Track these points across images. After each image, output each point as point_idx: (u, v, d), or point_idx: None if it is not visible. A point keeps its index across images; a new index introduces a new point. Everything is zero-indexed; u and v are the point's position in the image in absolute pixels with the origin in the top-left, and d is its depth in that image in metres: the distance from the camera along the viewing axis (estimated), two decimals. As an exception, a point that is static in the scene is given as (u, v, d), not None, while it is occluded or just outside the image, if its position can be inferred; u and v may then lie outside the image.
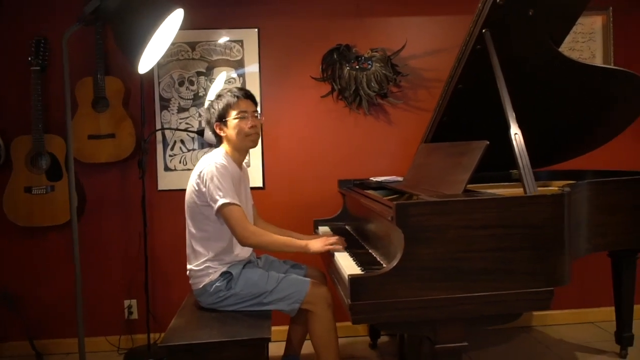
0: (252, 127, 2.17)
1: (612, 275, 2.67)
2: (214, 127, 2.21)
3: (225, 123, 2.18)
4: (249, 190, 2.40)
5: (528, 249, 1.64)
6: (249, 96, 2.21)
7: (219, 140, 2.25)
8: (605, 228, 2.27)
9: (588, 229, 2.18)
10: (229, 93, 2.19)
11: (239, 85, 2.99)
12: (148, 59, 1.95)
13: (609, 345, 2.77)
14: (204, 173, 2.06)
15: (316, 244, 2.12)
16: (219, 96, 2.21)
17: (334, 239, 2.16)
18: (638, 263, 2.60)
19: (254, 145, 2.24)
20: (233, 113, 2.16)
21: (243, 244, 2.06)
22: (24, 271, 2.98)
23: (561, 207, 1.69)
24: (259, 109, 2.29)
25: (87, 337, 2.96)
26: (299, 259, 2.47)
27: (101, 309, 3.01)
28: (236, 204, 2.04)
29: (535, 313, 3.20)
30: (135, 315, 3.02)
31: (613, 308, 2.70)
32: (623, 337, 2.66)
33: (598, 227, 2.23)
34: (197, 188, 2.09)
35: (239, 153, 2.23)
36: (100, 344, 3.00)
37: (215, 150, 2.21)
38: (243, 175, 2.32)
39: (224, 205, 2.01)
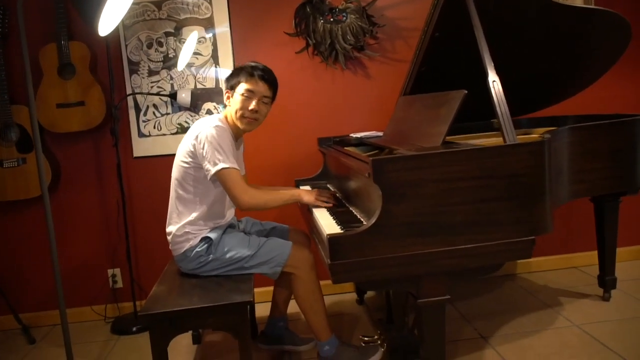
0: (252, 110, 2.09)
1: (595, 220, 2.68)
2: (225, 93, 2.16)
3: (233, 93, 2.11)
4: (242, 159, 2.37)
5: (509, 199, 1.61)
6: (267, 80, 2.11)
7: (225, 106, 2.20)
8: (586, 174, 2.25)
9: (569, 175, 2.16)
10: (250, 67, 2.10)
11: (209, 45, 2.88)
12: (109, 20, 1.85)
13: (592, 289, 2.81)
14: (203, 135, 1.99)
15: (309, 196, 2.13)
16: (242, 67, 2.13)
17: (325, 194, 2.15)
18: (620, 207, 2.60)
19: (248, 129, 2.15)
20: (241, 88, 2.08)
21: (243, 206, 2.02)
22: (2, 247, 2.92)
23: (541, 154, 1.65)
24: (274, 96, 2.19)
25: (73, 308, 2.96)
26: (281, 220, 2.44)
27: (85, 280, 2.98)
28: (236, 168, 1.99)
29: (519, 261, 3.23)
30: (120, 284, 3.00)
31: (596, 252, 2.72)
32: (606, 280, 2.69)
33: (579, 173, 2.21)
34: (192, 149, 2.02)
35: (235, 127, 2.15)
36: (86, 314, 2.99)
37: (215, 115, 2.16)
38: (239, 146, 2.29)
39: (224, 169, 1.96)
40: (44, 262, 2.92)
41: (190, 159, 2.04)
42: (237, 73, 2.12)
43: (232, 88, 2.12)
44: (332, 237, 1.56)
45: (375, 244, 1.56)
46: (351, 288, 3.09)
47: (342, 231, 1.72)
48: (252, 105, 2.08)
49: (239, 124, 2.11)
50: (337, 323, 2.68)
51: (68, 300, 2.73)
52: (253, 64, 2.13)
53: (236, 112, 2.09)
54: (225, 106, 2.19)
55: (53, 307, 2.95)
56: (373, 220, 1.56)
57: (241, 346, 1.80)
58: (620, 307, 2.61)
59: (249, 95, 2.08)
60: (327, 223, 1.90)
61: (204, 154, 1.97)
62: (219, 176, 1.98)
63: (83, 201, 2.94)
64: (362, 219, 1.90)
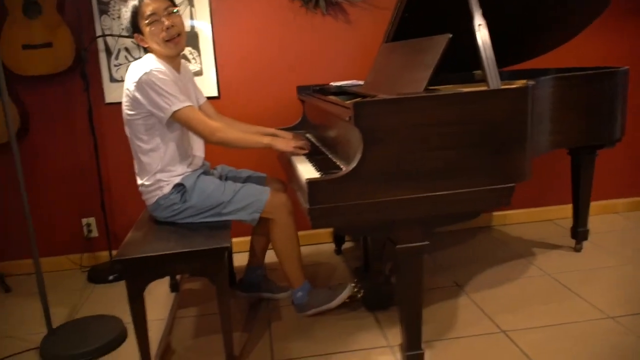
0: (167, 29, 1.95)
1: (571, 172, 2.70)
2: (135, 40, 2.02)
3: (141, 31, 1.98)
4: (197, 87, 2.28)
5: (489, 145, 1.60)
6: None
7: (145, 51, 2.05)
8: (565, 124, 2.25)
9: (549, 125, 2.16)
10: (136, 1, 1.96)
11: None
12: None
13: (565, 240, 2.87)
14: (141, 82, 1.87)
15: (281, 143, 2.07)
16: (126, 5, 1.97)
17: (300, 142, 2.10)
18: (596, 160, 2.62)
19: (181, 49, 2.03)
20: (144, 20, 1.94)
21: (211, 140, 1.97)
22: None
23: (525, 100, 1.64)
24: (175, 1, 2.04)
25: (48, 257, 2.91)
26: (257, 169, 2.40)
27: (59, 229, 2.92)
28: (188, 106, 1.91)
29: (494, 213, 3.27)
30: (95, 233, 2.95)
31: (570, 206, 2.76)
32: (578, 231, 2.75)
33: (558, 123, 2.21)
34: (135, 99, 1.90)
35: (170, 59, 2.03)
36: (62, 263, 2.94)
37: (145, 57, 2.00)
38: (185, 75, 2.17)
39: (176, 112, 1.88)
40: (17, 210, 2.84)
41: (135, 111, 1.93)
42: (132, 15, 1.98)
43: (136, 28, 1.99)
44: (311, 182, 1.53)
45: (354, 188, 1.55)
46: (329, 238, 3.11)
47: (321, 176, 1.70)
48: (165, 23, 1.94)
49: (168, 51, 1.98)
50: (314, 272, 2.69)
51: (42, 249, 2.67)
52: None
53: (158, 43, 1.96)
54: (145, 50, 2.05)
55: (28, 255, 2.89)
56: (353, 165, 1.53)
57: (219, 292, 1.79)
58: (591, 257, 2.68)
59: (154, 17, 1.94)
60: (305, 169, 1.87)
61: (152, 102, 1.87)
62: (175, 119, 1.91)
63: (54, 148, 2.84)
64: (341, 166, 1.87)
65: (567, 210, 2.92)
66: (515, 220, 3.28)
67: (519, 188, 1.65)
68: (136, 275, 1.74)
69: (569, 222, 2.82)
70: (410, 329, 1.75)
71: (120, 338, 2.15)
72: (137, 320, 1.77)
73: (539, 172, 3.19)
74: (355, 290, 2.17)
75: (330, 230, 3.07)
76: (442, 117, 1.56)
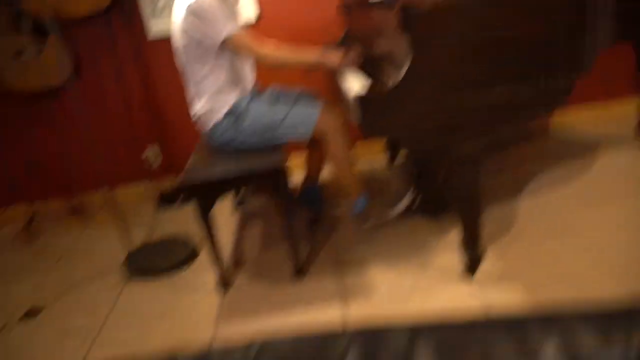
0: None
1: (635, 65, 2.55)
2: None
3: None
4: (238, 8, 2.28)
5: (550, 38, 1.53)
6: None
7: None
8: (631, 14, 2.10)
9: (613, 16, 2.02)
10: None
11: None
12: None
13: (629, 137, 2.76)
14: (190, 11, 1.89)
15: (331, 58, 2.02)
16: None
17: (349, 56, 2.06)
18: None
19: None
20: None
21: (265, 60, 2.01)
22: (39, 135, 3.01)
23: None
24: None
25: (115, 188, 3.10)
26: (307, 87, 2.40)
27: (125, 161, 3.09)
28: (237, 31, 1.93)
29: (554, 113, 3.15)
30: (157, 162, 3.10)
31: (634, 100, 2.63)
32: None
33: (623, 14, 2.06)
34: (184, 29, 1.93)
35: None
36: (128, 194, 3.13)
37: None
38: None
39: (226, 38, 1.91)
40: (79, 147, 3.02)
41: (186, 40, 1.96)
42: None
43: None
44: (362, 95, 1.54)
45: (406, 98, 1.54)
46: (382, 150, 3.12)
47: (371, 89, 1.69)
48: None
49: None
50: (370, 185, 2.75)
51: (112, 180, 2.86)
52: None
53: None
54: None
55: (102, 186, 3.10)
56: (403, 74, 1.52)
57: (280, 208, 1.89)
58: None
59: None
60: (355, 83, 1.87)
61: (201, 30, 1.90)
62: (227, 46, 1.93)
63: (106, 86, 2.94)
64: (391, 77, 1.85)
65: (631, 106, 2.79)
66: (576, 118, 3.15)
67: (582, 83, 1.59)
68: (202, 197, 1.86)
69: (633, 118, 2.70)
70: (470, 232, 1.79)
71: (193, 255, 2.33)
72: (208, 237, 1.91)
73: (602, 66, 3.02)
74: (412, 199, 2.21)
75: (383, 142, 3.08)
76: (496, 16, 1.49)
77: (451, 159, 1.67)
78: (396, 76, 1.63)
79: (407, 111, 1.54)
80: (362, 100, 1.54)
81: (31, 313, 2.13)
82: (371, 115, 1.55)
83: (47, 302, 2.21)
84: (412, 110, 1.55)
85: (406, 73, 1.51)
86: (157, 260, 2.30)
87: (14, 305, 2.21)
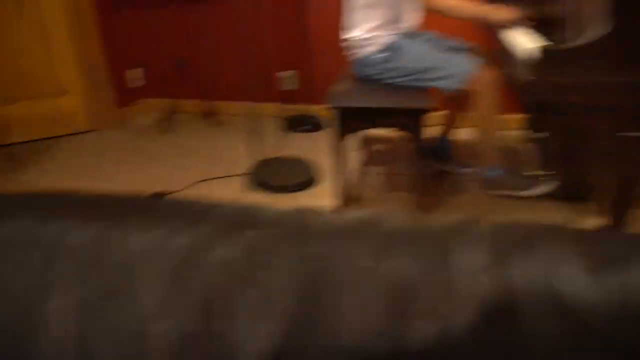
0: None
1: None
2: None
3: None
4: None
5: None
6: None
7: None
8: None
9: None
10: None
11: None
12: None
13: None
14: None
15: (499, 14, 1.95)
16: None
17: (519, 12, 1.96)
18: None
19: None
20: None
21: (426, 8, 1.99)
22: (192, 36, 3.18)
23: None
24: None
25: (250, 103, 3.22)
26: (466, 39, 2.28)
27: (262, 79, 3.18)
28: None
29: None
30: (294, 86, 3.16)
31: None
32: None
33: None
34: None
35: None
36: (263, 109, 3.23)
37: None
38: None
39: None
40: (229, 57, 3.14)
41: None
42: None
43: None
44: (534, 50, 1.43)
45: (583, 62, 1.41)
46: (523, 126, 2.93)
47: (545, 45, 1.56)
48: None
49: None
50: (507, 156, 2.61)
51: (248, 95, 2.97)
52: None
53: None
54: None
55: (234, 98, 3.24)
56: (589, 36, 1.38)
57: (412, 149, 1.86)
58: None
59: None
60: (525, 38, 1.73)
61: None
62: None
63: (265, 3, 3.00)
64: (567, 36, 1.69)
65: None
66: None
67: None
68: (342, 123, 1.87)
69: None
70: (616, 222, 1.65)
71: (314, 180, 2.38)
72: (335, 164, 1.93)
73: None
74: (552, 187, 2.07)
75: (524, 117, 2.88)
76: None
77: (616, 136, 1.52)
78: (575, 37, 1.48)
79: (592, 75, 1.41)
80: (545, 51, 1.41)
81: (155, 197, 2.32)
82: (549, 69, 1.43)
83: (171, 191, 2.39)
84: (585, 76, 1.42)
85: (594, 37, 1.37)
86: (278, 177, 2.38)
87: (140, 189, 2.41)
